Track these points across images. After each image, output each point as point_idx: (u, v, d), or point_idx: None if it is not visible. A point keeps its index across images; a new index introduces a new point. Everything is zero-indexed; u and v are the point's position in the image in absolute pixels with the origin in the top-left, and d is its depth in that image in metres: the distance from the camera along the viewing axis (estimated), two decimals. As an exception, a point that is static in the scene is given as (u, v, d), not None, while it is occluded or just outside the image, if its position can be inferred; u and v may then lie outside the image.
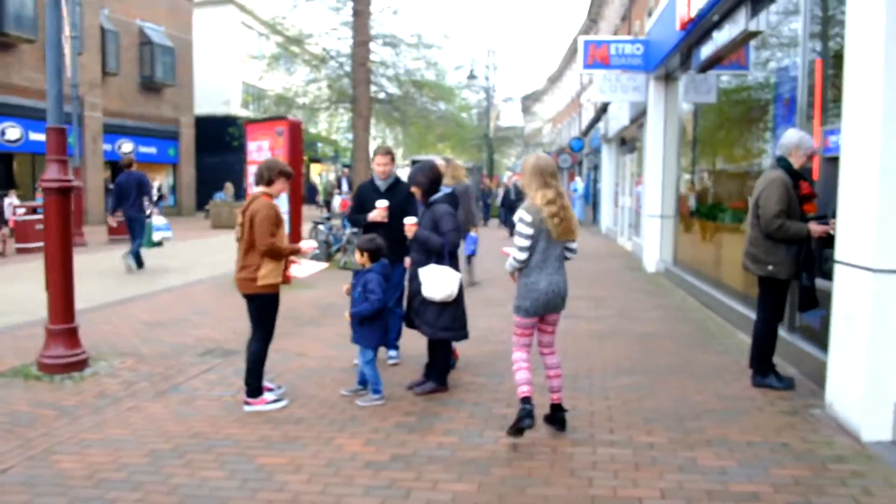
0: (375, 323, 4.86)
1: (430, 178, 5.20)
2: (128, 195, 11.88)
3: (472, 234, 9.94)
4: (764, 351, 5.16)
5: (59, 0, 5.53)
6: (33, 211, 15.29)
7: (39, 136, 21.85)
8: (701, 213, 9.87)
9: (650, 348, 6.44)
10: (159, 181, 25.42)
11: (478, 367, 5.85)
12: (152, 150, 28.81)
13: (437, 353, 5.18)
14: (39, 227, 15.15)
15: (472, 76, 29.89)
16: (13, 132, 20.96)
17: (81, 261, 13.72)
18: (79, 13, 22.21)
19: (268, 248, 4.69)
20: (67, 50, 16.43)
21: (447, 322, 5.03)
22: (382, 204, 5.63)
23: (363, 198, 5.95)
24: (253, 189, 10.82)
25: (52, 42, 5.60)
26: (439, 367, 5.16)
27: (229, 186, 26.66)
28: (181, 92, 30.00)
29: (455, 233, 5.04)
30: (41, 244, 15.75)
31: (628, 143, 17.65)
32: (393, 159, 5.93)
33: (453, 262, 5.06)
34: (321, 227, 13.44)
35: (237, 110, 32.97)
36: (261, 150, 10.74)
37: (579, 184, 26.57)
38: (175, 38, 29.26)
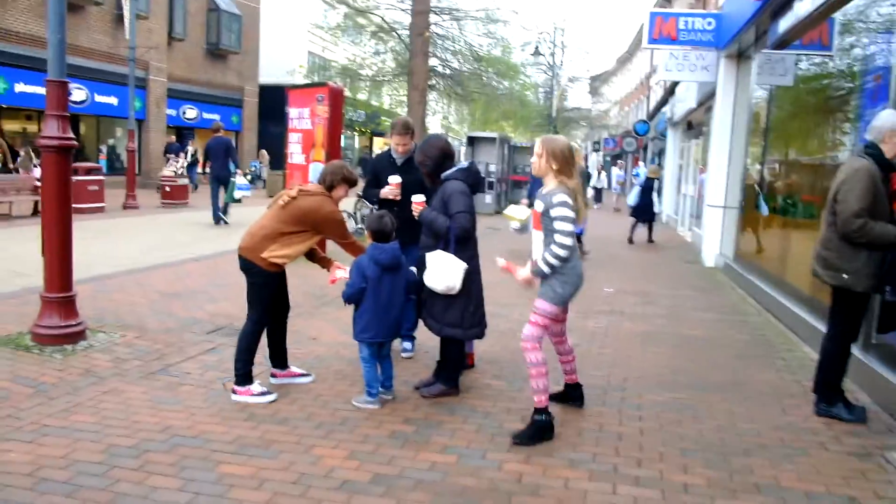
0: (361, 311, 4.27)
1: (433, 155, 4.53)
2: (216, 157, 13.43)
3: None
4: (832, 374, 4.36)
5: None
6: (86, 172, 15.31)
7: (105, 98, 22.14)
8: (769, 205, 8.93)
9: (698, 358, 5.68)
10: (194, 146, 25.27)
11: (501, 366, 5.23)
12: (216, 116, 28.82)
13: (447, 351, 4.57)
14: (93, 188, 15.22)
15: (536, 52, 28.87)
16: (79, 94, 21.18)
17: (125, 224, 13.74)
18: (146, -23, 22.32)
19: (351, 241, 4.53)
20: (126, 12, 16.35)
21: (455, 318, 4.39)
22: (395, 180, 5.03)
23: (378, 172, 5.36)
24: (292, 158, 10.49)
25: (55, -12, 5.13)
26: (449, 368, 4.55)
27: (265, 154, 27.10)
28: (246, 60, 30.01)
29: (465, 216, 4.32)
30: (93, 205, 15.79)
31: (695, 127, 16.53)
32: (412, 136, 5.28)
33: (462, 250, 4.38)
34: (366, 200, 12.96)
35: (301, 80, 32.83)
36: (301, 117, 10.28)
37: (641, 169, 25.37)
38: (243, 5, 29.21)
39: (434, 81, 27.25)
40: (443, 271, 4.29)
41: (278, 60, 32.18)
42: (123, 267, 8.58)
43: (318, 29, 31.92)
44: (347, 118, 32.02)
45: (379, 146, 44.40)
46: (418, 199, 4.54)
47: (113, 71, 21.35)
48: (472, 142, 21.29)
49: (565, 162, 3.88)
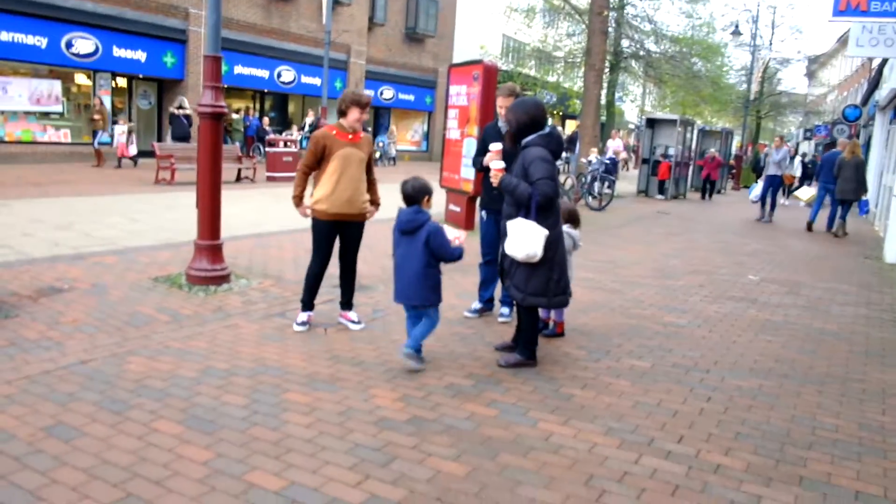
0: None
1: (521, 119, 4.40)
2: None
3: (864, 198, 13.39)
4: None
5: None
6: (284, 144, 16.93)
7: (310, 80, 24.13)
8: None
9: (815, 350, 5.22)
10: (313, 116, 23.50)
11: (590, 339, 5.20)
12: (410, 97, 30.42)
13: (522, 321, 4.60)
14: (287, 159, 16.77)
15: (736, 32, 26.88)
16: (288, 75, 23.36)
17: (307, 191, 14.99)
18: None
19: (300, 170, 5.09)
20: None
21: (538, 286, 4.37)
22: (496, 147, 5.08)
23: (486, 140, 5.49)
24: (449, 133, 10.91)
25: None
26: (525, 339, 4.57)
27: (394, 129, 27.74)
28: (442, 43, 31.10)
29: (547, 182, 4.22)
30: (286, 174, 17.40)
31: (905, 110, 14.65)
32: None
33: (544, 217, 4.32)
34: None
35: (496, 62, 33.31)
36: (459, 94, 10.64)
37: None
38: (441, -10, 30.27)
39: (626, 63, 26.54)
40: (523, 239, 4.25)
41: (474, 42, 32.89)
42: (288, 227, 9.51)
43: (513, 11, 32.24)
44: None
45: (570, 128, 43.97)
46: (498, 165, 4.47)
47: (318, 54, 23.15)
48: (651, 124, 20.50)
49: None
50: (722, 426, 3.67)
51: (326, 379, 4.08)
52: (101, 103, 17.55)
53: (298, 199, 5.13)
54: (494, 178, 4.48)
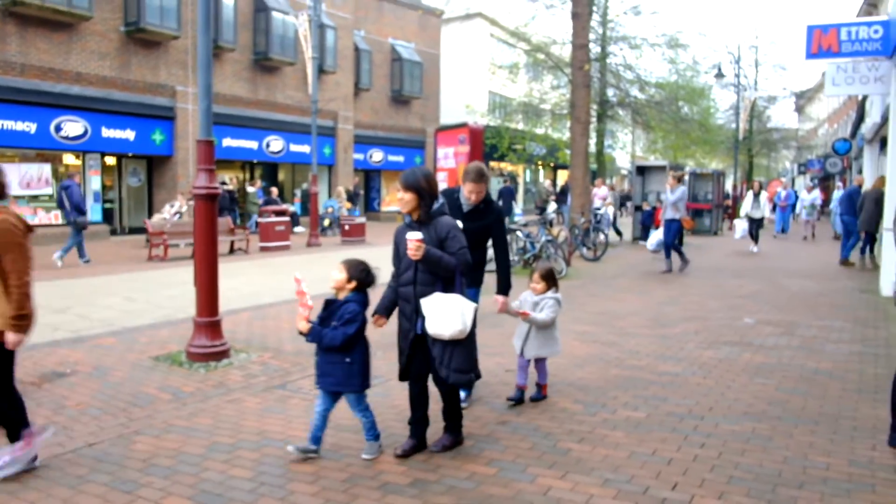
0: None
1: (433, 184, 4.00)
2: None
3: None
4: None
5: (207, 9, 6.01)
6: (275, 214, 17.19)
7: (299, 148, 24.60)
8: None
9: (808, 391, 5.33)
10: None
11: (587, 393, 5.30)
12: (400, 158, 30.97)
13: (446, 402, 4.17)
14: (279, 228, 16.99)
15: (719, 74, 27.65)
16: (276, 144, 23.85)
17: (302, 259, 15.21)
18: (334, 36, 24.68)
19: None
20: (310, 70, 18.28)
21: (466, 362, 3.95)
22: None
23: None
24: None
25: (203, 63, 6.15)
26: (454, 416, 4.19)
27: (341, 191, 23.61)
28: (428, 103, 31.85)
29: (467, 251, 3.96)
30: (279, 243, 17.44)
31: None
32: (487, 182, 5.02)
33: (463, 287, 4.02)
34: (519, 233, 13.33)
35: (482, 119, 34.05)
36: (447, 157, 10.97)
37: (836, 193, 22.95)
38: (424, 53, 31.18)
39: (613, 112, 27.17)
40: (452, 315, 3.82)
41: (460, 100, 33.63)
42: (284, 297, 9.65)
43: (498, 68, 33.08)
44: (529, 153, 32.60)
45: (561, 179, 44.58)
46: (415, 235, 3.86)
47: (306, 123, 23.66)
48: (641, 171, 20.90)
49: None
50: (716, 471, 3.78)
51: (330, 447, 4.18)
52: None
53: None
54: (417, 252, 3.83)
